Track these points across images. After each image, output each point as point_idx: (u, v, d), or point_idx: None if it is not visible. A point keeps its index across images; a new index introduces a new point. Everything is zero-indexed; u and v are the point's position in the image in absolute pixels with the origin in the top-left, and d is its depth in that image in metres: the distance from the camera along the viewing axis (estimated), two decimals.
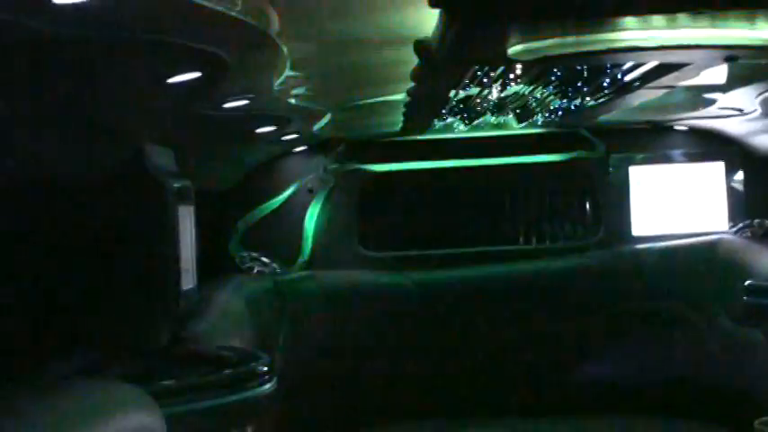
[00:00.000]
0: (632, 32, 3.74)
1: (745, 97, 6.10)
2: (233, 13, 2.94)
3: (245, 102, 4.46)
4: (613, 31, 3.73)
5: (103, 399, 2.67)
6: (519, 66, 5.01)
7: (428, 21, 3.70)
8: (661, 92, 5.73)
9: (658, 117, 7.62)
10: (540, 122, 7.39)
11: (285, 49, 3.86)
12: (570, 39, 3.77)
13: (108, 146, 4.12)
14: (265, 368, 3.69)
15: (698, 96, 6.20)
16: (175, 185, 4.26)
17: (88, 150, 4.05)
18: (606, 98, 5.99)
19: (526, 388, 7.46)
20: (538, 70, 5.17)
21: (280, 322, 6.58)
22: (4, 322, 4.12)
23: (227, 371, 3.65)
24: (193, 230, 4.55)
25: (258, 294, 6.51)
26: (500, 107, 6.79)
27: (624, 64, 4.99)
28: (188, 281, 4.25)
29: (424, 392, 7.44)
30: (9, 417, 2.17)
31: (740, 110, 6.64)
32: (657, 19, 3.69)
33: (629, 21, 3.70)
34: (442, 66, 4.43)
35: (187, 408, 3.34)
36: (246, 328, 5.38)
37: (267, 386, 3.64)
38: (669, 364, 7.23)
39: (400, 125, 7.16)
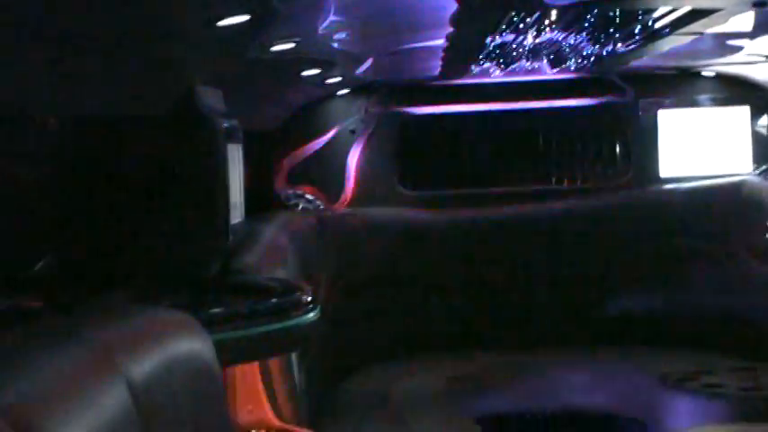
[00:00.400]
0: None
1: None
2: None
3: (291, 45, 4.43)
4: None
5: (157, 324, 2.68)
6: (554, 11, 4.95)
7: None
8: (690, 38, 5.66)
9: (687, 63, 7.53)
10: (572, 68, 7.31)
11: None
12: None
13: (162, 87, 4.11)
14: (309, 298, 3.68)
15: (725, 43, 6.12)
16: (225, 125, 4.25)
17: (144, 91, 4.04)
18: (637, 44, 5.92)
19: (557, 319, 7.46)
20: (572, 16, 5.10)
21: (323, 255, 6.58)
22: (65, 253, 4.14)
23: (272, 300, 3.65)
24: (241, 168, 4.55)
25: (303, 229, 6.51)
26: (535, 53, 6.72)
27: (655, 10, 4.92)
28: (236, 215, 4.25)
29: (454, 322, 7.46)
30: (70, 337, 2.18)
31: (766, 56, 6.56)
32: None
33: None
34: (480, 11, 4.38)
35: (234, 335, 3.35)
36: (291, 260, 5.38)
37: (311, 315, 3.63)
38: (693, 298, 7.21)
39: (439, 70, 7.12)
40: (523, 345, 7.21)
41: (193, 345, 2.73)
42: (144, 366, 2.28)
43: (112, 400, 2.05)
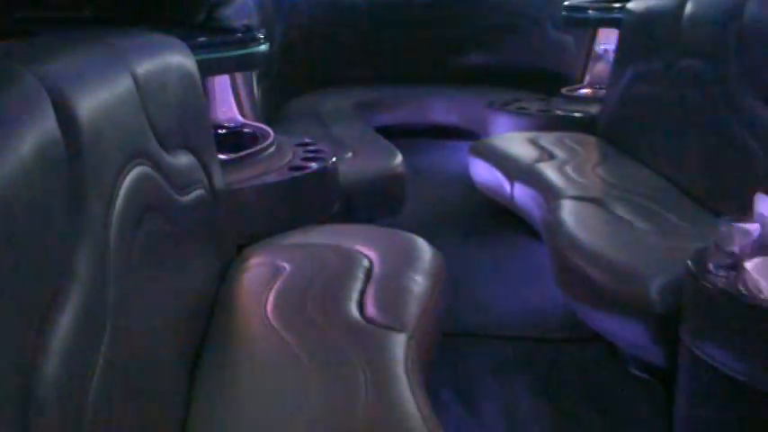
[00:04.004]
0: None
1: None
2: None
3: None
4: None
5: (157, 43, 2.65)
6: None
7: None
8: None
9: None
10: None
11: None
12: None
13: None
14: (262, 36, 3.65)
15: None
16: None
17: None
18: None
19: (430, 66, 7.40)
20: None
21: (277, 18, 6.40)
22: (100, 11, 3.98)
23: (238, 35, 3.62)
24: None
25: None
26: None
27: None
28: None
29: (362, 64, 7.39)
30: (97, 42, 2.15)
31: None
32: None
33: None
34: None
35: (210, 56, 3.33)
36: (254, 17, 5.25)
37: (263, 47, 3.61)
38: (512, 54, 7.21)
39: None
40: (406, 82, 7.23)
41: (182, 59, 2.73)
42: (145, 67, 2.28)
43: (121, 84, 2.06)
